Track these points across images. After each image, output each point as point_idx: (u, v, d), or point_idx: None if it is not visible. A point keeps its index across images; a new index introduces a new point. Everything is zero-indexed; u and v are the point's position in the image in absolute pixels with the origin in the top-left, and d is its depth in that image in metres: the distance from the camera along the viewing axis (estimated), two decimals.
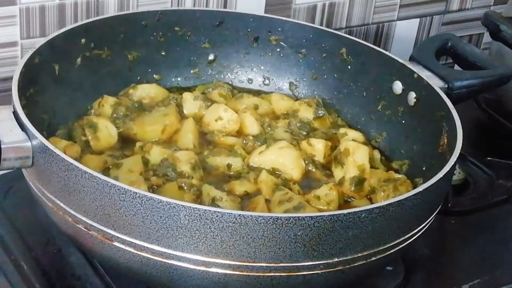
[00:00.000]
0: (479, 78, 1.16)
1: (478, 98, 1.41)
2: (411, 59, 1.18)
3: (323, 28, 1.25)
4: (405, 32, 1.51)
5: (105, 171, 1.01)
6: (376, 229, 0.88)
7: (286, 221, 0.83)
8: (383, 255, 0.91)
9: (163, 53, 1.21)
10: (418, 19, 1.53)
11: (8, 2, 1.16)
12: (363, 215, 0.86)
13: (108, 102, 1.12)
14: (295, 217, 0.84)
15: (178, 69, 1.23)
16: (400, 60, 1.15)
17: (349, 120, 1.21)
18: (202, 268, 0.86)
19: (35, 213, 1.04)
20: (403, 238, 0.92)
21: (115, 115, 1.11)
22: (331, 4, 1.41)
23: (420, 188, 0.91)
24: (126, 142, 1.09)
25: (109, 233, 0.87)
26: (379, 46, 1.26)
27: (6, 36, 1.18)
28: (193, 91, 1.20)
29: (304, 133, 1.16)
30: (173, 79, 1.23)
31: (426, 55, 1.18)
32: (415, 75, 1.13)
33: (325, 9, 1.41)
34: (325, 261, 0.87)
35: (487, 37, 1.55)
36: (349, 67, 1.21)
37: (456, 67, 1.26)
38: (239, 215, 0.83)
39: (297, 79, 1.25)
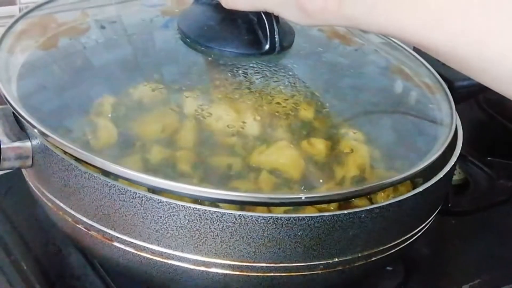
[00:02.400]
0: None
1: (478, 98, 1.41)
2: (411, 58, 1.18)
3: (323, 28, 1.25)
4: None
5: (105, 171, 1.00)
6: (376, 229, 0.88)
7: (286, 221, 0.83)
8: (383, 255, 0.91)
9: (163, 53, 1.21)
10: None
11: (8, 2, 1.16)
12: (363, 215, 0.86)
13: (108, 102, 1.12)
14: (295, 217, 0.83)
15: (178, 69, 1.23)
16: (400, 60, 1.16)
17: (349, 120, 1.21)
18: (202, 268, 0.86)
19: (35, 213, 1.04)
20: (403, 238, 0.92)
21: (115, 114, 1.11)
22: None
23: (420, 188, 0.91)
24: (126, 142, 1.09)
25: (109, 233, 0.87)
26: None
27: None
28: (193, 91, 1.20)
29: (304, 133, 1.16)
30: (173, 79, 1.23)
31: (426, 55, 1.18)
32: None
33: None
34: (325, 261, 0.87)
35: None
36: (349, 67, 1.21)
37: None
38: (239, 215, 0.83)
39: (297, 79, 1.25)
